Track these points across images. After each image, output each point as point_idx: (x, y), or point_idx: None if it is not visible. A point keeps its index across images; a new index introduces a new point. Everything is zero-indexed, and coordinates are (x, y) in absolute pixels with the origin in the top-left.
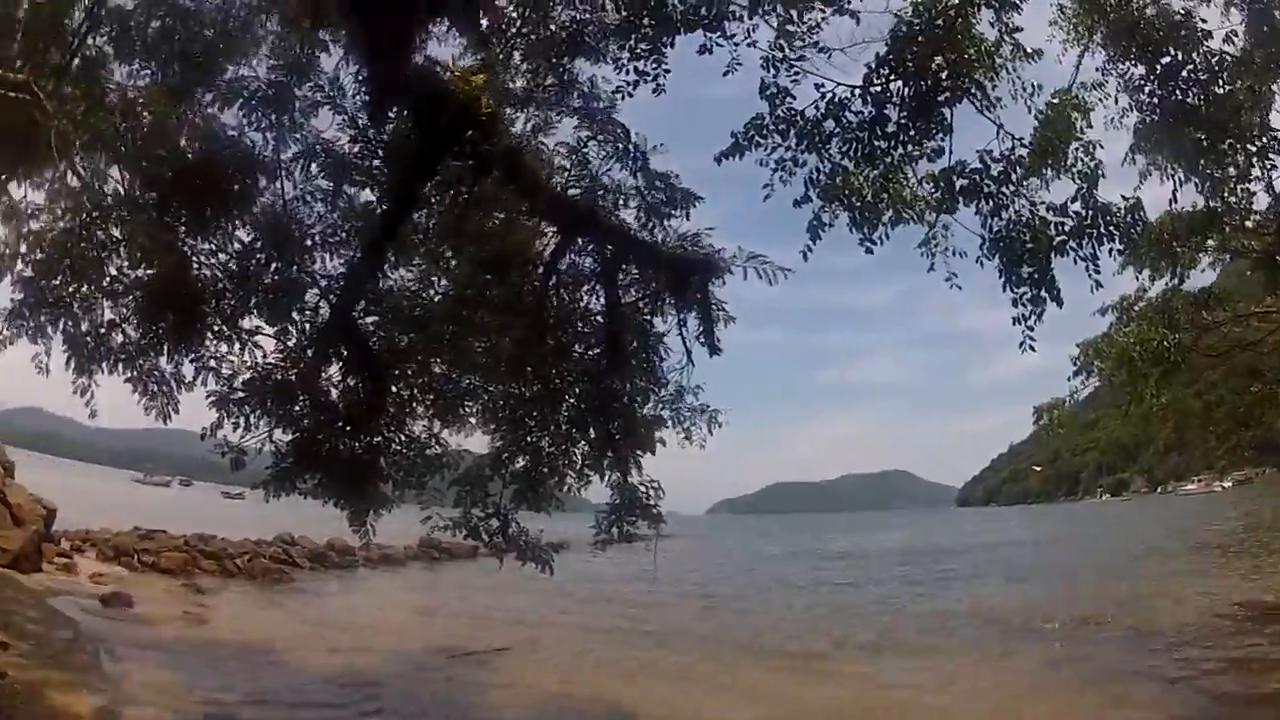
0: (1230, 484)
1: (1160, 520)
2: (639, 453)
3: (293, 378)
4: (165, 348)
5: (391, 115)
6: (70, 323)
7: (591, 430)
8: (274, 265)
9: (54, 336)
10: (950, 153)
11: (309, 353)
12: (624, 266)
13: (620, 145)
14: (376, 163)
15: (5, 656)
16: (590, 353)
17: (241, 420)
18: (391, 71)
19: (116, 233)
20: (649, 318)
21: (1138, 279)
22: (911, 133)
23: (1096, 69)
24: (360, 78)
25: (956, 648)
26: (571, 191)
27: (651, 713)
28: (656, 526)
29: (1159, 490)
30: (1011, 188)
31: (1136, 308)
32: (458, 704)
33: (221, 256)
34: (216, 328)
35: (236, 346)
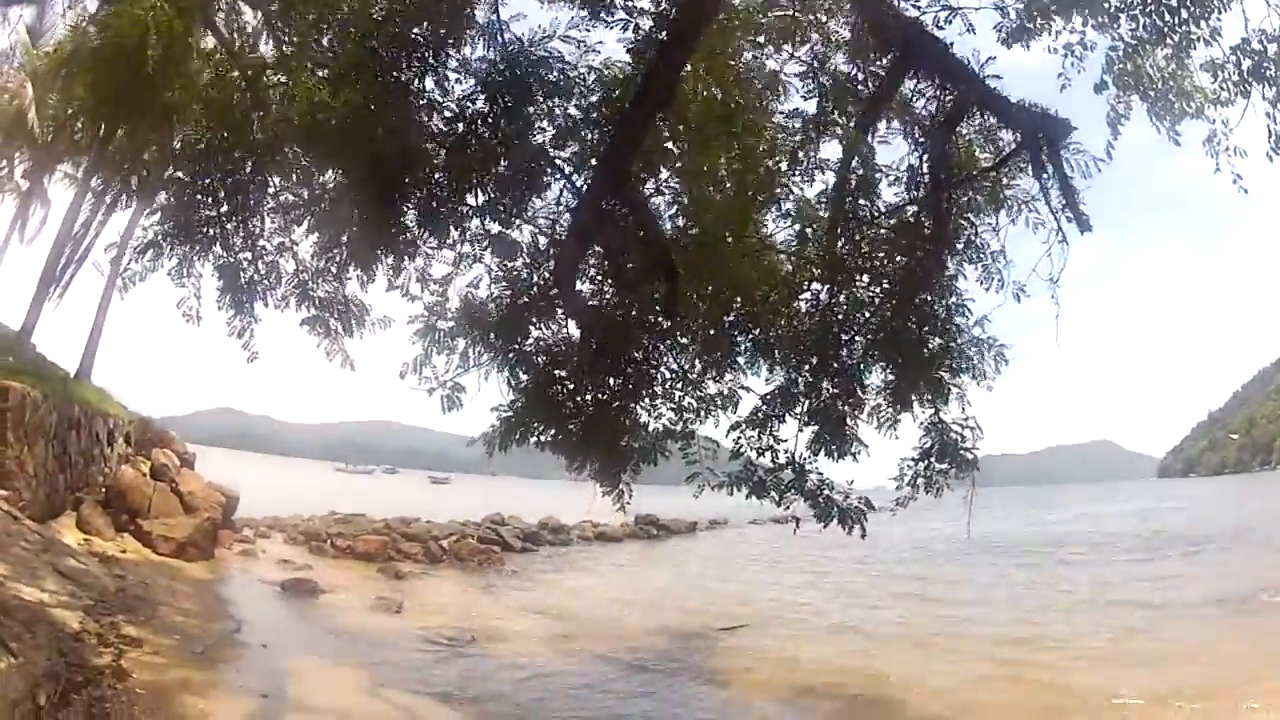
0: None
1: None
2: (958, 383)
3: (525, 299)
4: (352, 264)
5: None
6: (225, 251)
7: (903, 357)
8: (495, 139)
9: (202, 274)
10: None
11: (547, 264)
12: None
13: None
14: None
15: (137, 654)
16: (895, 261)
17: (454, 353)
18: None
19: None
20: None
21: None
22: (1191, 7)
23: None
24: None
25: None
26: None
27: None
28: (972, 474)
29: None
30: None
31: None
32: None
33: (425, 142)
34: (418, 232)
35: (457, 248)
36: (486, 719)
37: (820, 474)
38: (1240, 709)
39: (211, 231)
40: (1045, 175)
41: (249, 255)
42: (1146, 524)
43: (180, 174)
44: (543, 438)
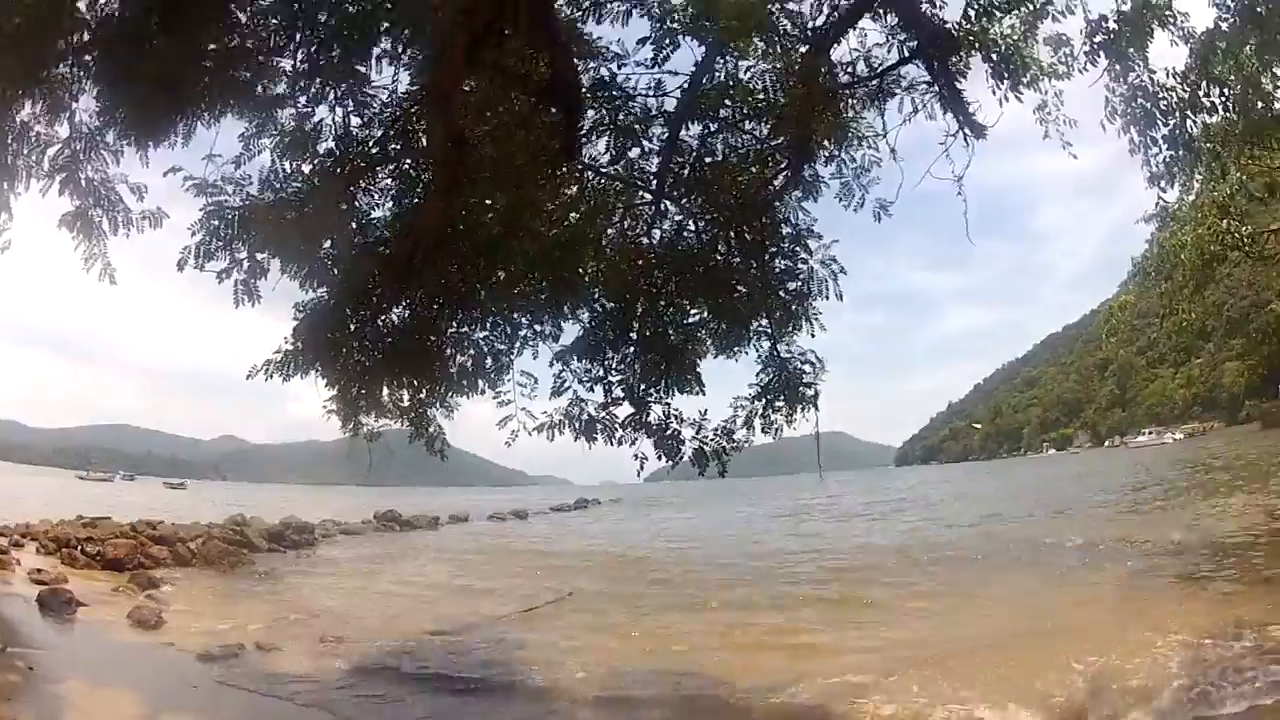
0: (1181, 436)
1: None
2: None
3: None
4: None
5: None
6: None
7: (743, 281)
8: None
9: None
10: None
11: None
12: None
13: None
14: None
15: None
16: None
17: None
18: None
19: None
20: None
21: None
22: None
23: None
24: None
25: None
26: None
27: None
28: (814, 413)
29: (1105, 444)
30: (1136, 50)
31: (1179, 214)
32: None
33: None
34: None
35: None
36: None
37: (667, 405)
38: None
39: None
40: (942, 83)
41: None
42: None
43: None
44: (335, 368)
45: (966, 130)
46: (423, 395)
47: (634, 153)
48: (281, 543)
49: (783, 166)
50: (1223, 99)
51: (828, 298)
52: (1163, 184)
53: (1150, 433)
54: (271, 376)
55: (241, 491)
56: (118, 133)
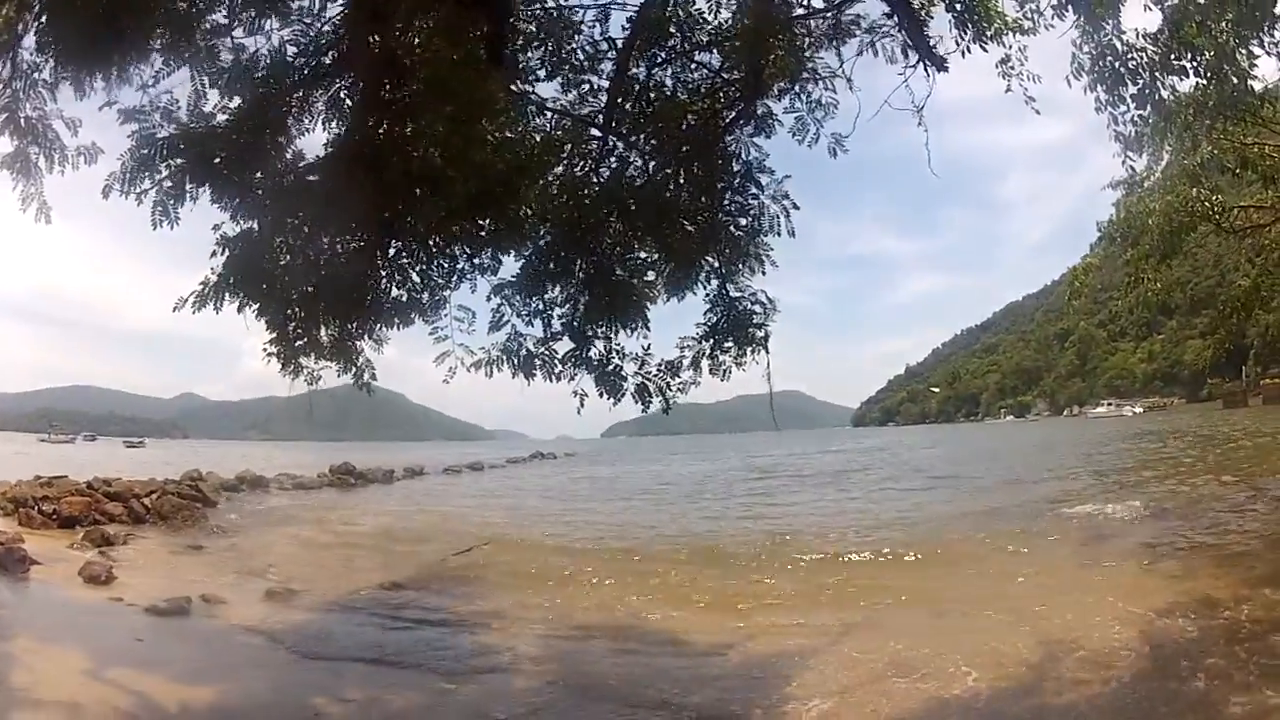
0: (1141, 410)
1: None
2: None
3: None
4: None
5: None
6: None
7: (691, 218)
8: None
9: None
10: None
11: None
12: None
13: None
14: None
15: None
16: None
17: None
18: None
19: None
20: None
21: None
22: None
23: None
24: None
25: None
26: None
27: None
28: (765, 356)
29: (1064, 414)
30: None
31: (1147, 183)
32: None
33: None
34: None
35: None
36: (221, 698)
37: (610, 339)
38: None
39: None
40: (903, 15)
41: None
42: None
43: None
44: (268, 300)
45: (927, 62)
46: (351, 327)
47: (581, 88)
48: (236, 496)
49: (734, 99)
50: (1194, 64)
51: (779, 234)
52: (1130, 148)
53: (1110, 404)
54: (200, 308)
55: (200, 448)
56: (55, 69)
